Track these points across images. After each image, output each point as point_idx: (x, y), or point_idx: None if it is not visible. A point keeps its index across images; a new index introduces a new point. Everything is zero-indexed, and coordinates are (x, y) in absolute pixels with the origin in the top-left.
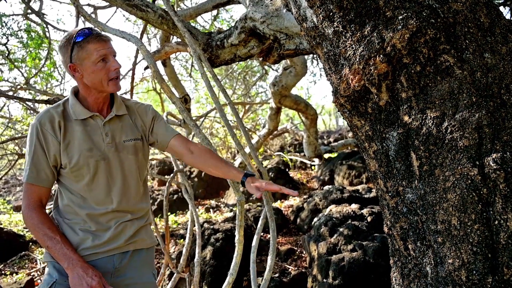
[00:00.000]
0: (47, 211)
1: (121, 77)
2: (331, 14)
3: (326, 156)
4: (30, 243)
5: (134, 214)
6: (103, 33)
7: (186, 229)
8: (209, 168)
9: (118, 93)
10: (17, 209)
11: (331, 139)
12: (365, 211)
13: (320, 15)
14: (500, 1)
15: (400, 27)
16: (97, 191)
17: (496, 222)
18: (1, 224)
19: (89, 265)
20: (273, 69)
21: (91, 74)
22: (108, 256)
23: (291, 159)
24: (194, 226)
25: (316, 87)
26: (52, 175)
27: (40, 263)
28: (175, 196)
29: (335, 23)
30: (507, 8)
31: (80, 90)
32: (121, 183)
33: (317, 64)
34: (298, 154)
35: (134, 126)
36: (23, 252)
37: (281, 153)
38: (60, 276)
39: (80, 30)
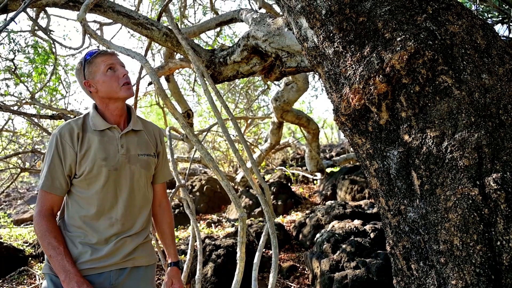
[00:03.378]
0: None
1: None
2: (331, 35)
3: (328, 170)
4: (30, 258)
5: (135, 228)
6: (109, 50)
7: (187, 244)
8: (157, 230)
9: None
10: (17, 222)
11: (333, 153)
12: (368, 227)
13: (321, 36)
14: (497, 19)
15: (399, 48)
16: (105, 200)
17: (499, 243)
18: (1, 238)
19: (85, 280)
20: (275, 84)
21: (103, 84)
22: (105, 272)
23: (293, 173)
24: (195, 242)
25: (318, 101)
26: (65, 184)
27: (39, 279)
28: (177, 210)
29: (335, 44)
30: (505, 26)
31: (98, 105)
32: (128, 194)
33: (319, 79)
34: (300, 168)
35: (149, 142)
36: (22, 268)
37: (283, 167)
38: None
39: (88, 52)
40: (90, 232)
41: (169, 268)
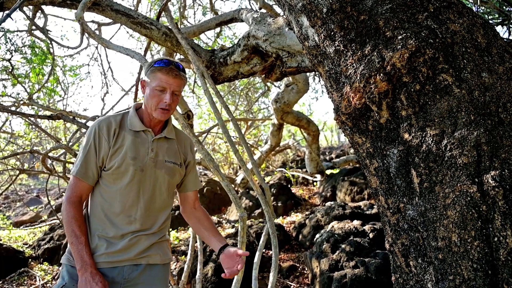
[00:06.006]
0: None
1: (169, 109)
2: (332, 33)
3: (328, 172)
4: (30, 260)
5: (153, 228)
6: (180, 71)
7: (188, 245)
8: (201, 228)
9: None
10: (16, 224)
11: (333, 155)
12: (367, 227)
13: (322, 35)
14: (498, 20)
15: (400, 46)
16: (127, 198)
17: (496, 239)
18: (1, 240)
19: (98, 272)
20: (275, 86)
21: (147, 96)
22: (119, 266)
23: (293, 175)
24: (196, 242)
25: (318, 103)
26: (97, 174)
27: (39, 280)
28: (177, 212)
29: (336, 42)
30: (505, 27)
31: (143, 106)
32: (149, 196)
33: (319, 81)
34: (300, 170)
35: (178, 152)
36: (22, 269)
37: (283, 169)
38: (70, 280)
39: (162, 58)
40: (109, 225)
41: (226, 248)
